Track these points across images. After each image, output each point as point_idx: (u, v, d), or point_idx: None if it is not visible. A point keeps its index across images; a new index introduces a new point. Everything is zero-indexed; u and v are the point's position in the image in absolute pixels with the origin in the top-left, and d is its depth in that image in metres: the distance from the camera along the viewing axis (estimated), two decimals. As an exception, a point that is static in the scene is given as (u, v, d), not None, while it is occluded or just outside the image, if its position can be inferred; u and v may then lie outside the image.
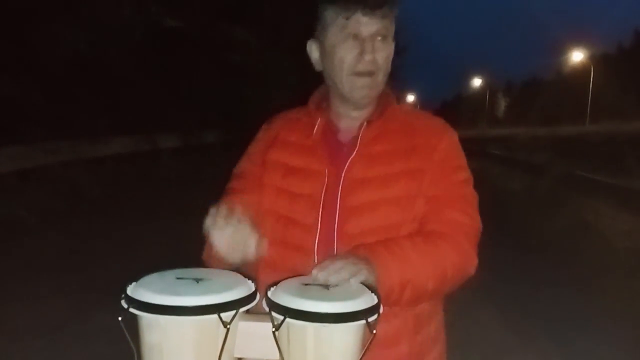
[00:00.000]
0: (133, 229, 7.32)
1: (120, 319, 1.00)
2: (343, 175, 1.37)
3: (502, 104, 76.66)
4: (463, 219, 1.37)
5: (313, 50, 1.43)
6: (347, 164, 1.37)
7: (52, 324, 4.28)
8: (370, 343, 1.03)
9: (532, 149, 21.30)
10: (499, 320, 4.74)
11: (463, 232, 1.36)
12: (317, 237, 1.35)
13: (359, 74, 1.35)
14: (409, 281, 1.26)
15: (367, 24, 1.32)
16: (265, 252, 1.28)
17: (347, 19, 1.31)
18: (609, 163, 14.05)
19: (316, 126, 1.43)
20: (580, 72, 45.40)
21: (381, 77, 1.38)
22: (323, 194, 1.37)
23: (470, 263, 1.37)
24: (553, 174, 13.39)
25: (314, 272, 1.15)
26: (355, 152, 1.38)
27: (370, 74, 1.35)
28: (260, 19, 16.86)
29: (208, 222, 1.23)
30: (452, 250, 1.33)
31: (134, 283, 1.06)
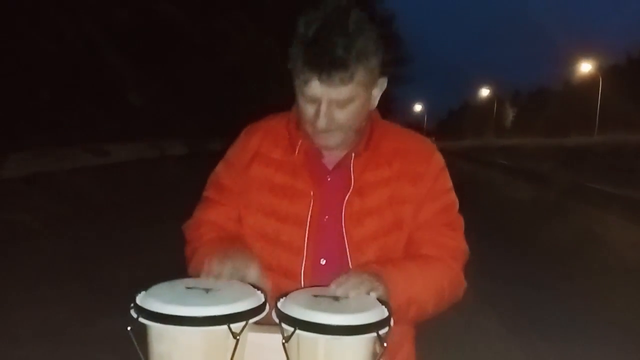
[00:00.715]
0: (137, 235, 7.32)
1: (129, 328, 0.99)
2: (343, 212, 1.36)
3: (510, 113, 76.69)
4: (452, 244, 1.41)
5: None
6: (345, 201, 1.36)
7: (54, 330, 4.26)
8: (380, 356, 1.02)
9: (539, 159, 21.33)
10: (502, 329, 4.72)
11: (453, 256, 1.40)
12: (304, 260, 1.35)
13: (317, 131, 1.31)
14: (414, 300, 1.30)
15: (323, 92, 1.25)
16: (268, 286, 1.25)
17: (305, 82, 1.24)
18: (616, 174, 14.04)
19: (297, 147, 1.39)
20: (589, 82, 45.37)
21: (343, 133, 1.33)
22: (309, 216, 1.36)
23: (461, 286, 1.42)
24: (560, 184, 13.41)
25: (332, 287, 1.14)
26: (352, 187, 1.36)
27: (327, 131, 1.31)
28: (269, 24, 16.90)
29: (208, 270, 1.20)
30: (447, 273, 1.37)
31: (143, 292, 1.04)
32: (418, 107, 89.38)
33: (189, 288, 1.06)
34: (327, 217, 1.36)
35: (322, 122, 1.27)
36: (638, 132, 28.10)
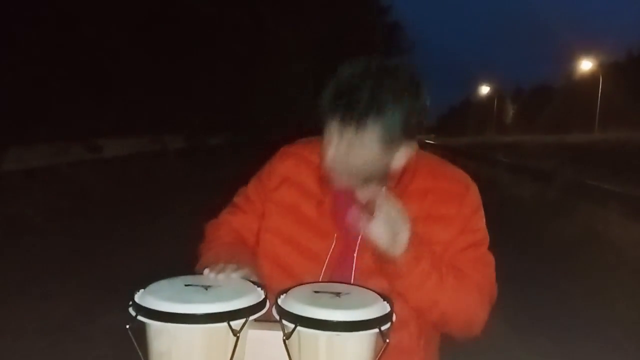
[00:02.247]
0: (138, 230, 7.33)
1: (128, 326, 0.98)
2: (359, 240, 1.32)
3: (511, 110, 76.68)
4: (476, 276, 1.34)
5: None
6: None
7: (56, 324, 4.27)
8: (382, 352, 1.01)
9: (540, 156, 21.30)
10: (507, 329, 4.71)
11: (481, 291, 1.35)
12: None
13: (328, 167, 1.28)
14: (425, 283, 1.25)
15: (338, 134, 1.24)
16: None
17: (326, 120, 1.23)
18: (618, 171, 14.02)
19: (328, 185, 1.35)
20: (589, 80, 45.34)
21: (352, 177, 1.29)
22: (328, 258, 1.33)
23: (478, 323, 1.37)
24: (562, 182, 13.38)
25: (380, 196, 1.17)
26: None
27: (336, 169, 1.28)
28: (276, 18, 16.82)
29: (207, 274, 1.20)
30: (473, 300, 1.33)
31: (142, 290, 1.04)
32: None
33: (188, 285, 1.06)
34: (354, 254, 1.33)
35: (330, 157, 1.24)
36: (639, 130, 28.09)
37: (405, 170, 1.33)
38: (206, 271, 1.17)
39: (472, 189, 1.38)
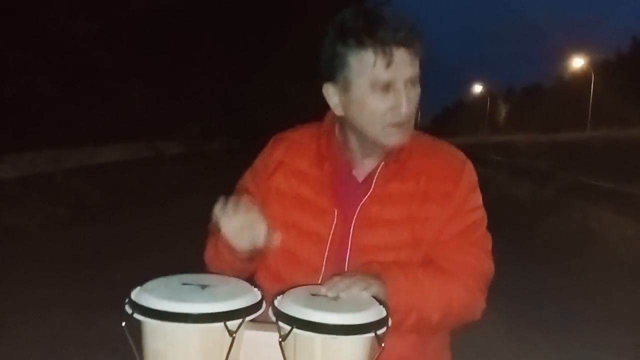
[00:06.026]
0: (135, 236, 7.31)
1: (123, 324, 0.99)
2: (355, 215, 1.33)
3: (503, 110, 76.69)
4: (474, 262, 1.35)
5: (330, 94, 1.33)
6: (360, 205, 1.34)
7: (53, 332, 4.26)
8: (378, 356, 1.02)
9: (533, 155, 21.34)
10: (503, 328, 4.72)
11: (473, 275, 1.34)
12: (321, 279, 1.31)
13: (395, 125, 1.28)
14: (415, 307, 1.25)
15: (403, 71, 1.24)
16: (277, 241, 1.29)
17: (377, 70, 1.23)
18: (611, 169, 14.06)
19: (327, 164, 1.38)
20: (581, 79, 45.39)
21: (413, 123, 1.32)
22: (331, 235, 1.34)
23: (477, 306, 1.37)
24: (555, 180, 13.41)
25: (323, 289, 1.14)
26: (369, 193, 1.34)
27: (407, 123, 1.30)
28: (272, 25, 16.76)
29: (217, 210, 1.23)
30: (461, 290, 1.32)
31: (138, 287, 1.04)
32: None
33: (185, 284, 1.06)
34: (351, 230, 1.34)
35: (405, 109, 1.26)
36: (631, 127, 28.12)
37: (402, 147, 1.34)
38: (217, 208, 1.21)
39: (468, 167, 1.39)
